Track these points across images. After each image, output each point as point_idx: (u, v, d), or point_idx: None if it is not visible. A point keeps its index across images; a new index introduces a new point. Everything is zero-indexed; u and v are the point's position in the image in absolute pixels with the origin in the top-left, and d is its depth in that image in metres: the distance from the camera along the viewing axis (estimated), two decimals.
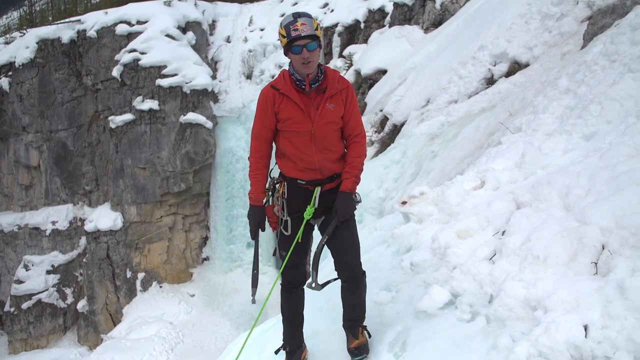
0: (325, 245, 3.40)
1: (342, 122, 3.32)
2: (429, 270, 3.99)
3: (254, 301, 3.44)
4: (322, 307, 4.25)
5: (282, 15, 24.92)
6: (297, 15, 3.07)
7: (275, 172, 3.48)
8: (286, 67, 3.28)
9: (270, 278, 18.55)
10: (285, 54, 3.17)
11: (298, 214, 3.34)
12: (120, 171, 20.91)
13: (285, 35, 3.04)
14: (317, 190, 3.30)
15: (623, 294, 2.49)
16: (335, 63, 20.61)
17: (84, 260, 21.67)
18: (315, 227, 3.52)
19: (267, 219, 3.43)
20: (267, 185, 3.44)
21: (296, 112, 3.18)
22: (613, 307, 2.49)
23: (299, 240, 3.34)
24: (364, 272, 3.46)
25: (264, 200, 3.41)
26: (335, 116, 3.24)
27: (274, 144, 3.38)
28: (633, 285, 2.47)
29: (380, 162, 10.36)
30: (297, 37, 3.01)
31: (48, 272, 21.79)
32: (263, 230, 3.42)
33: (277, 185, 3.42)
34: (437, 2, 16.16)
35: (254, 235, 3.41)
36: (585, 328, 2.50)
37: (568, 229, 3.09)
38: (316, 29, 3.06)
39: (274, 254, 3.63)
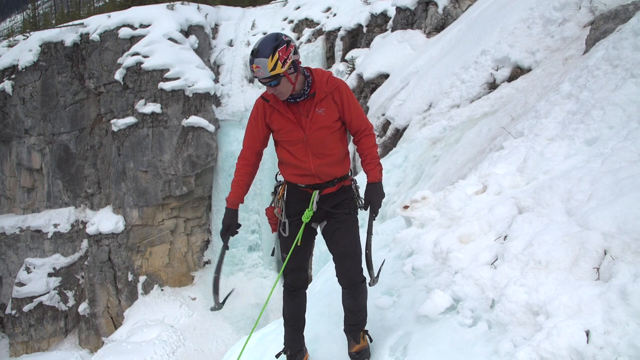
0: (328, 250, 3.45)
1: (340, 123, 3.31)
2: (430, 274, 3.99)
3: (214, 308, 3.36)
4: (324, 311, 4.24)
5: (285, 19, 25.03)
6: (254, 54, 2.98)
7: (280, 175, 3.51)
8: None
9: (273, 282, 18.53)
10: None
11: (297, 217, 3.36)
12: (122, 174, 20.93)
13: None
14: (315, 194, 3.31)
15: (625, 300, 2.49)
16: (338, 67, 20.65)
17: (86, 263, 21.68)
18: (319, 232, 3.53)
19: (268, 221, 3.47)
20: (271, 189, 3.50)
21: (286, 123, 3.21)
22: (615, 312, 2.49)
23: (298, 244, 3.34)
24: (365, 278, 3.45)
25: (270, 202, 3.45)
26: (327, 120, 3.23)
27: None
28: (635, 291, 2.47)
29: (382, 166, 10.35)
30: (256, 78, 3.06)
31: (49, 275, 21.80)
32: (233, 234, 3.37)
33: (278, 188, 3.44)
34: (439, 6, 16.18)
35: (224, 238, 3.34)
36: (587, 333, 2.50)
37: (570, 234, 3.09)
38: (275, 66, 2.96)
39: (272, 254, 3.66)
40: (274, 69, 2.96)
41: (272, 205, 3.46)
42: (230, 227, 3.34)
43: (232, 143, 21.67)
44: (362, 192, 3.54)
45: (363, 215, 3.57)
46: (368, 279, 3.53)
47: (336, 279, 3.49)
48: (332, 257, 3.48)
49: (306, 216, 3.30)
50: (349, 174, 3.48)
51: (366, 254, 3.50)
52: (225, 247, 3.38)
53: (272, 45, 2.97)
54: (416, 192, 5.74)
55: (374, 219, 3.47)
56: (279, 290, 3.66)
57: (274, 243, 3.53)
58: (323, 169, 3.27)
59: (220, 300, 3.35)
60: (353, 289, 3.39)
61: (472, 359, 2.93)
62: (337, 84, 3.28)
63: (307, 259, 3.50)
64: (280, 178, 3.50)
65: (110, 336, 20.08)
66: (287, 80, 3.05)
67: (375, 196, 3.39)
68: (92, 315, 21.37)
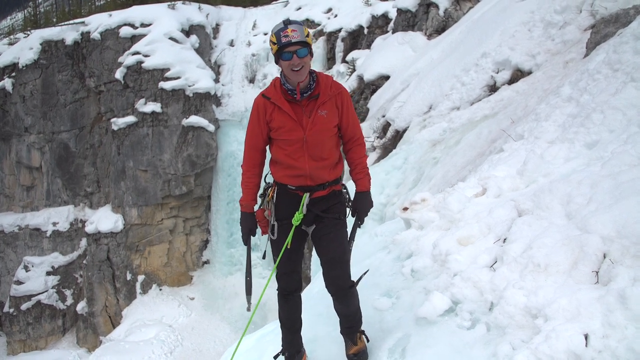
0: (316, 254, 3.45)
1: (338, 128, 3.31)
2: (429, 276, 3.99)
3: (249, 309, 3.49)
4: (322, 312, 4.24)
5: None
6: (287, 22, 3.07)
7: (270, 177, 3.49)
8: None
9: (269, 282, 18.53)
10: (277, 62, 3.17)
11: (287, 220, 3.33)
12: (122, 173, 20.93)
13: (276, 42, 3.05)
14: (306, 197, 3.28)
15: (624, 303, 2.49)
16: (338, 68, 20.64)
17: (84, 261, 21.66)
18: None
19: (257, 223, 3.46)
20: (260, 190, 3.47)
21: (287, 121, 3.18)
22: (614, 316, 2.49)
23: (288, 247, 3.31)
24: (353, 283, 3.44)
25: (259, 204, 3.43)
26: (329, 123, 3.22)
27: (268, 153, 3.40)
28: (634, 295, 2.47)
29: (382, 168, 10.36)
30: (288, 44, 3.01)
31: (48, 274, 21.78)
32: (254, 235, 3.45)
33: (268, 190, 3.44)
34: (440, 8, 16.19)
35: (246, 242, 3.47)
36: (586, 337, 2.50)
37: (569, 237, 3.09)
38: (307, 36, 3.07)
39: (264, 257, 3.66)
40: (307, 36, 3.07)
41: (262, 207, 3.44)
42: (252, 230, 3.41)
43: (232, 143, 21.67)
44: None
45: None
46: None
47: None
48: (320, 262, 3.46)
49: (296, 219, 3.27)
50: (340, 179, 3.47)
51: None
52: (250, 249, 3.47)
53: (301, 22, 3.13)
54: (416, 194, 5.73)
55: (359, 227, 3.54)
56: (275, 291, 3.66)
57: (266, 246, 3.53)
58: (317, 172, 3.25)
59: (253, 305, 3.45)
60: (342, 295, 3.39)
61: None
62: (340, 89, 3.30)
63: (299, 262, 3.48)
64: (269, 179, 3.48)
65: (108, 335, 20.05)
66: (310, 58, 3.13)
67: (364, 205, 3.45)
68: (90, 314, 21.34)
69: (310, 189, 3.29)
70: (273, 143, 3.32)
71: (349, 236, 3.49)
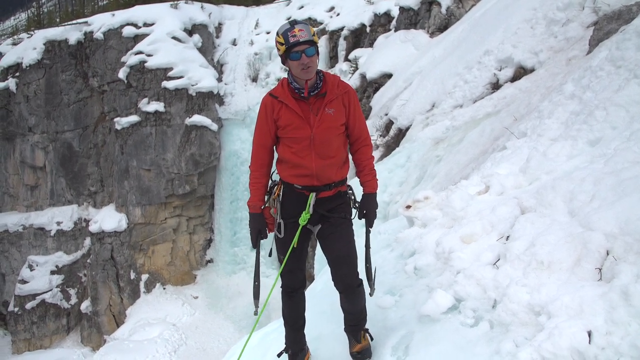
0: (323, 254, 3.46)
1: (345, 127, 3.32)
2: (432, 274, 4.00)
3: (256, 312, 3.48)
4: (325, 310, 4.25)
5: (288, 19, 25.04)
6: (294, 23, 3.09)
7: (276, 175, 3.51)
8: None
9: (273, 281, 18.54)
10: (283, 62, 3.19)
11: (293, 219, 3.34)
12: (125, 172, 20.96)
13: (284, 42, 3.06)
14: (312, 196, 3.29)
15: (627, 300, 2.49)
16: (341, 67, 20.62)
17: (88, 261, 21.72)
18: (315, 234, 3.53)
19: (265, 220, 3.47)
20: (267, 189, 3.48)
21: (294, 119, 3.19)
22: (617, 313, 2.49)
23: (295, 246, 3.33)
24: (361, 281, 3.45)
25: (265, 202, 3.44)
26: (336, 121, 3.23)
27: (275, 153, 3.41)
28: (637, 291, 2.47)
29: (385, 166, 10.36)
30: (296, 43, 3.03)
31: (52, 273, 21.83)
32: (264, 238, 3.44)
33: (274, 188, 3.44)
34: (442, 6, 16.17)
35: (255, 244, 3.44)
36: (589, 334, 2.50)
37: (572, 234, 3.09)
38: (313, 35, 3.08)
39: (270, 255, 3.67)
40: (313, 35, 3.08)
41: (268, 205, 3.45)
42: (261, 231, 3.39)
43: (235, 142, 21.66)
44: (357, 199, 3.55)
45: (361, 223, 3.57)
46: (368, 290, 3.57)
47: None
48: (327, 261, 3.47)
49: (303, 219, 3.28)
50: (346, 180, 3.48)
51: (367, 267, 3.52)
52: (259, 252, 3.44)
53: (306, 22, 3.15)
54: (419, 192, 5.74)
55: (370, 232, 3.54)
56: (279, 289, 3.67)
57: (272, 244, 3.54)
58: (324, 170, 3.26)
59: (260, 306, 3.43)
60: (350, 293, 3.40)
61: (474, 359, 2.94)
62: (347, 88, 3.31)
63: (303, 260, 3.50)
64: (275, 177, 3.49)
65: (112, 334, 20.08)
66: (317, 57, 3.13)
67: (371, 206, 3.45)
68: (94, 313, 21.40)
69: (317, 189, 3.30)
70: (280, 142, 3.33)
71: (365, 243, 3.52)
